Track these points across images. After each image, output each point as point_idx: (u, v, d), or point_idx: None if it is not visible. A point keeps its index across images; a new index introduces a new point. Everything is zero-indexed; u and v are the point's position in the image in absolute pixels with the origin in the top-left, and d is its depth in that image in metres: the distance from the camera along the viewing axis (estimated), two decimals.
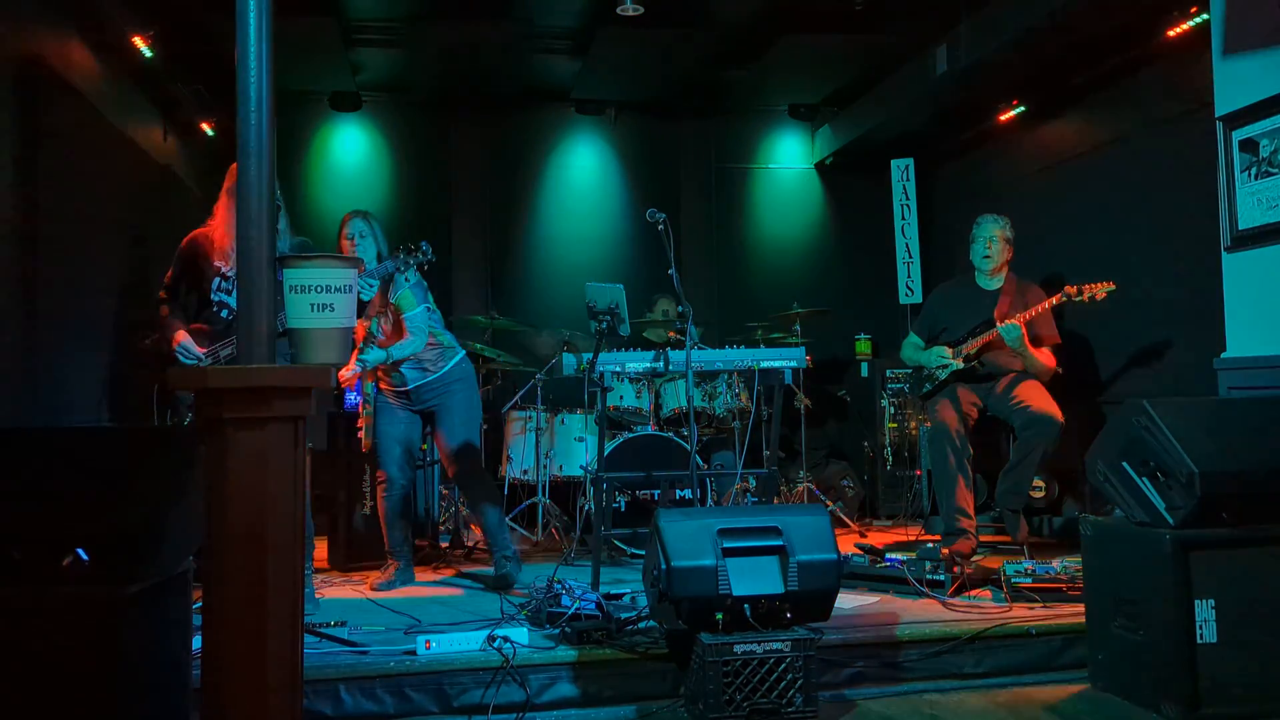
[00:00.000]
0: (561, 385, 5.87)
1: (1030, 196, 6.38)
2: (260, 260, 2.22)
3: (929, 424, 4.94)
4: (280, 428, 2.14)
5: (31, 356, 4.03)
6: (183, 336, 3.99)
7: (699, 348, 4.28)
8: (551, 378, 5.68)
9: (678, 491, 5.16)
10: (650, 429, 5.32)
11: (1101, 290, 4.55)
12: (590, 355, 4.24)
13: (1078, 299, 4.59)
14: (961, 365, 4.81)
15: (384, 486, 4.53)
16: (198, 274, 4.08)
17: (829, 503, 6.19)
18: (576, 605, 3.47)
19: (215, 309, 4.05)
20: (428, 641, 3.20)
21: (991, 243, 4.88)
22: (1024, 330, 4.63)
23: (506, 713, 3.10)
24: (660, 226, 4.09)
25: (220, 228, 4.03)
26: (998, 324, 4.69)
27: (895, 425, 6.65)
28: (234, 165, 4.10)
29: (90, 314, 4.70)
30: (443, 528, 5.72)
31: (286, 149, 6.85)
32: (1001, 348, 4.75)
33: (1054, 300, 4.65)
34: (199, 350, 3.99)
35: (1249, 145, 4.03)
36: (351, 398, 5.36)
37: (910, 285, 7.45)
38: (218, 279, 4.05)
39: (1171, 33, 5.01)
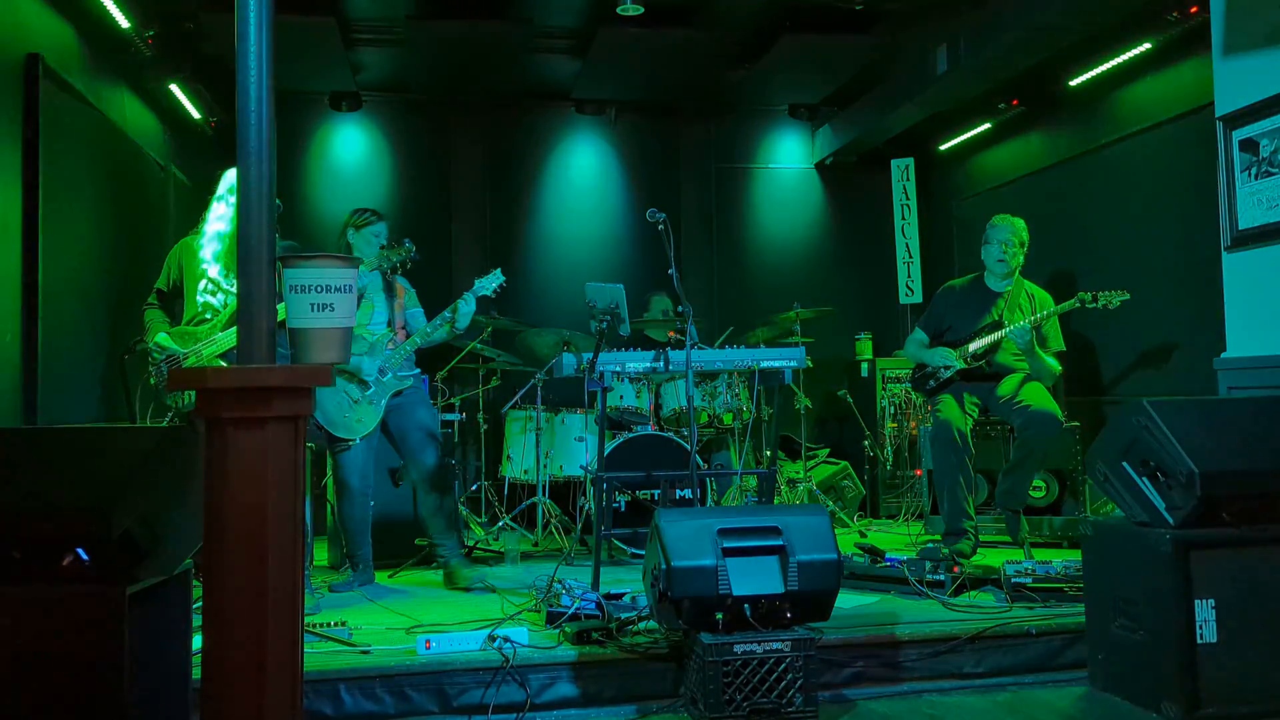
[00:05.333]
0: (561, 385, 5.87)
1: (1030, 196, 6.39)
2: (260, 260, 2.21)
3: (929, 424, 4.94)
4: (280, 427, 2.14)
5: (31, 356, 4.03)
6: (160, 337, 4.04)
7: (699, 347, 4.28)
8: (551, 378, 5.68)
9: (678, 491, 5.15)
10: (650, 429, 5.32)
11: (1115, 299, 4.54)
12: (590, 355, 4.24)
13: (1091, 305, 4.57)
14: (966, 365, 4.80)
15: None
16: (186, 279, 4.12)
17: (829, 503, 6.19)
18: (576, 605, 3.47)
19: (201, 310, 4.08)
20: (428, 641, 3.20)
21: (1008, 246, 4.84)
22: (1033, 334, 4.62)
23: (506, 713, 3.10)
24: (660, 226, 4.08)
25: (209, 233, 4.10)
26: (1006, 326, 4.69)
27: (895, 425, 6.65)
28: (222, 173, 4.17)
29: (89, 314, 4.70)
30: None
31: (286, 149, 6.85)
32: (1007, 349, 4.75)
33: (1067, 306, 4.64)
34: (177, 348, 4.01)
35: (1249, 145, 4.03)
36: None
37: (910, 285, 7.45)
38: (205, 280, 4.08)
39: (1171, 32, 5.01)
